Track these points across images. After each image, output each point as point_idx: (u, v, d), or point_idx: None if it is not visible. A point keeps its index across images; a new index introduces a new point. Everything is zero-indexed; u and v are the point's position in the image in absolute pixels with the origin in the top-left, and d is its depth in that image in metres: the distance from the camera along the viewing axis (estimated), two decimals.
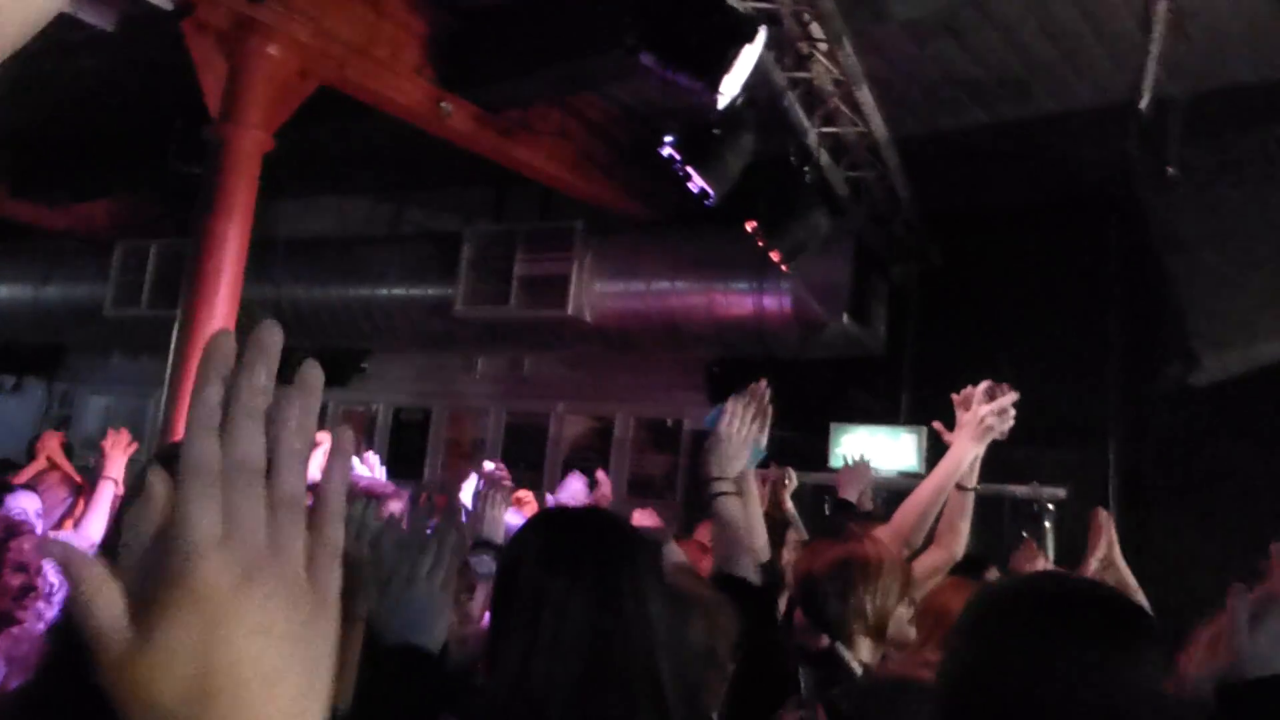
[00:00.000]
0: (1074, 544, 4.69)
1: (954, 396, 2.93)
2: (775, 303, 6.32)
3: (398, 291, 7.71)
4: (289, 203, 7.63)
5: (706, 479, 2.29)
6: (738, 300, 6.48)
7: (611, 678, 1.34)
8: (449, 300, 7.28)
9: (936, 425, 3.00)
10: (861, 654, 2.52)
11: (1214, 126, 4.37)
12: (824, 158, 5.35)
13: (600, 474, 4.80)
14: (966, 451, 2.88)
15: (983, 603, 1.43)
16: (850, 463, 4.13)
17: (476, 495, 3.03)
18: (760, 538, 2.39)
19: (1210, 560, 4.87)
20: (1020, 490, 5.76)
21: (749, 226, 5.05)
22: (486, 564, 2.63)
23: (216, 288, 4.81)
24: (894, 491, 4.63)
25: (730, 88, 3.94)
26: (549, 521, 1.60)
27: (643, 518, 4.90)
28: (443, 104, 5.51)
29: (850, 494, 3.97)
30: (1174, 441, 5.45)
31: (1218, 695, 1.55)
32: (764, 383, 2.40)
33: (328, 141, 6.75)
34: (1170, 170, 4.14)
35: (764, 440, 2.40)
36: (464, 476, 3.90)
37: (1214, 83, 4.67)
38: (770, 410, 2.40)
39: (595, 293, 6.93)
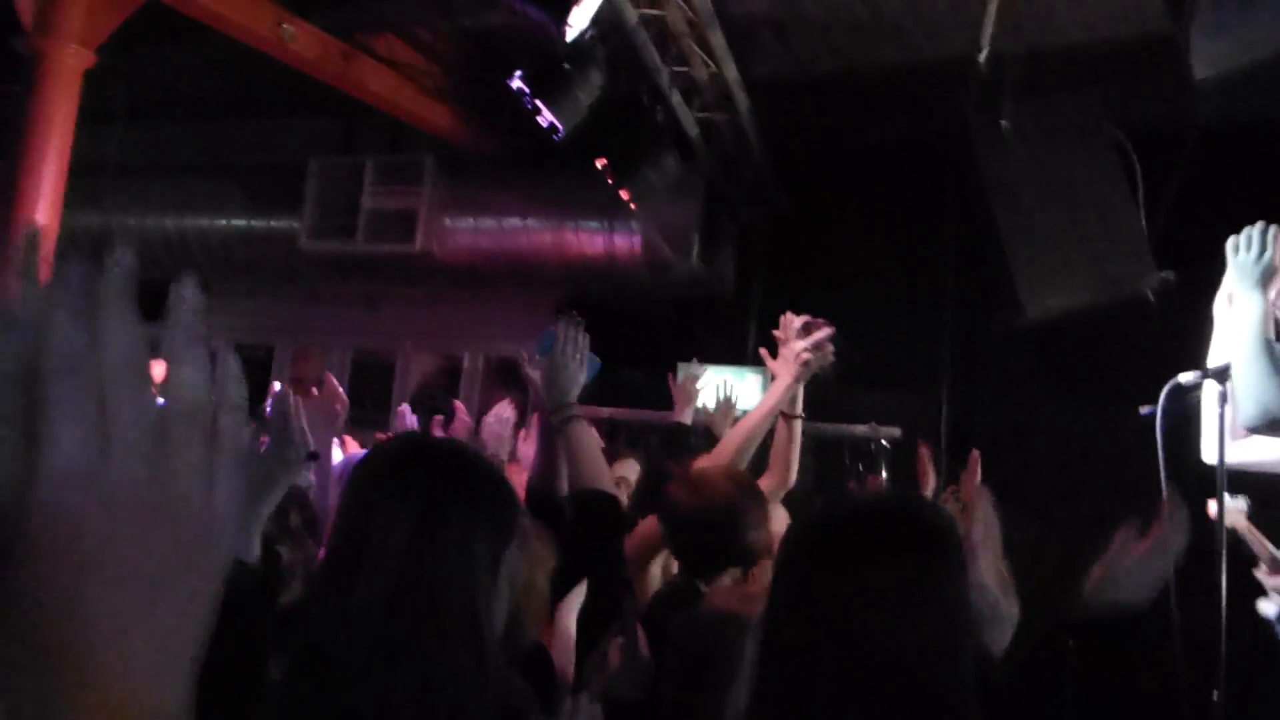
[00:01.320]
0: (908, 482, 4.89)
1: (775, 333, 3.02)
2: (626, 243, 6.34)
3: (238, 223, 7.42)
4: (119, 127, 7.22)
5: (553, 407, 2.30)
6: (589, 239, 6.47)
7: (425, 604, 1.33)
8: (293, 234, 7.04)
9: (762, 351, 3.09)
10: (706, 588, 2.57)
11: (1046, 84, 4.54)
12: (675, 98, 5.35)
13: (457, 404, 4.67)
14: (786, 385, 2.98)
15: (793, 531, 1.47)
16: (679, 381, 4.16)
17: (307, 404, 2.96)
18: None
19: (1031, 498, 5.16)
20: (859, 429, 5.97)
21: (599, 164, 5.02)
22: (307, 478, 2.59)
23: (33, 214, 4.53)
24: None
25: (579, 20, 3.89)
26: (393, 446, 1.57)
27: (503, 408, 4.83)
28: (284, 26, 5.27)
29: (684, 415, 4.03)
30: (1001, 386, 5.72)
31: (1077, 615, 1.64)
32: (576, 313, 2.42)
33: (162, 63, 6.39)
34: (1004, 125, 4.29)
35: (596, 357, 2.40)
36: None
37: (1048, 41, 4.84)
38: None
39: (445, 229, 6.81)
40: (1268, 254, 2.64)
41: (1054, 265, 4.24)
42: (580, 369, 2.34)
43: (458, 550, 1.36)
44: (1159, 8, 3.32)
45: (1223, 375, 2.68)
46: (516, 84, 4.51)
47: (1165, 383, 3.22)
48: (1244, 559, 3.40)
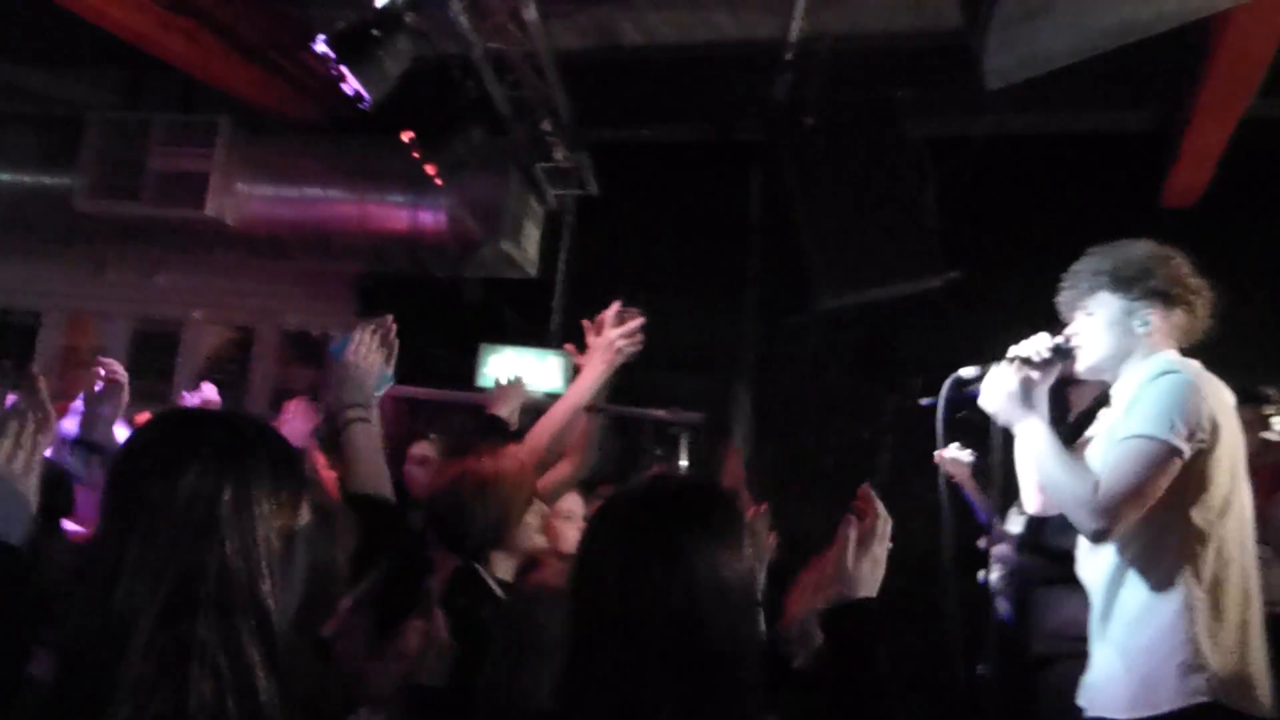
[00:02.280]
0: (708, 466, 5.00)
1: (585, 322, 3.03)
2: (431, 218, 6.19)
3: (4, 178, 6.84)
4: None
5: (338, 407, 2.30)
6: (392, 213, 6.29)
7: (207, 597, 1.22)
8: (69, 192, 6.55)
9: (569, 348, 3.10)
10: (498, 571, 2.57)
11: (849, 83, 4.70)
12: (487, 73, 5.26)
13: (206, 385, 4.36)
14: (598, 373, 3.00)
15: (603, 509, 1.53)
16: (505, 382, 4.14)
17: (86, 396, 2.79)
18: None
19: (820, 481, 5.38)
20: (659, 414, 6.07)
21: (405, 137, 4.89)
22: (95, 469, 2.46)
23: None
24: (541, 412, 4.72)
25: None
26: (162, 420, 1.43)
27: (297, 410, 4.64)
28: None
29: (501, 410, 3.99)
30: (797, 373, 5.91)
31: (825, 615, 1.71)
32: (390, 317, 2.43)
33: None
34: (807, 118, 4.43)
35: (390, 369, 2.42)
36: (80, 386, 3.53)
37: (852, 42, 5.02)
38: (395, 343, 2.43)
39: (239, 195, 6.48)
40: (1014, 385, 2.78)
41: (849, 257, 4.41)
42: (371, 375, 2.35)
43: (236, 529, 1.26)
44: (956, 19, 3.48)
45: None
46: (321, 48, 4.32)
47: (950, 374, 3.38)
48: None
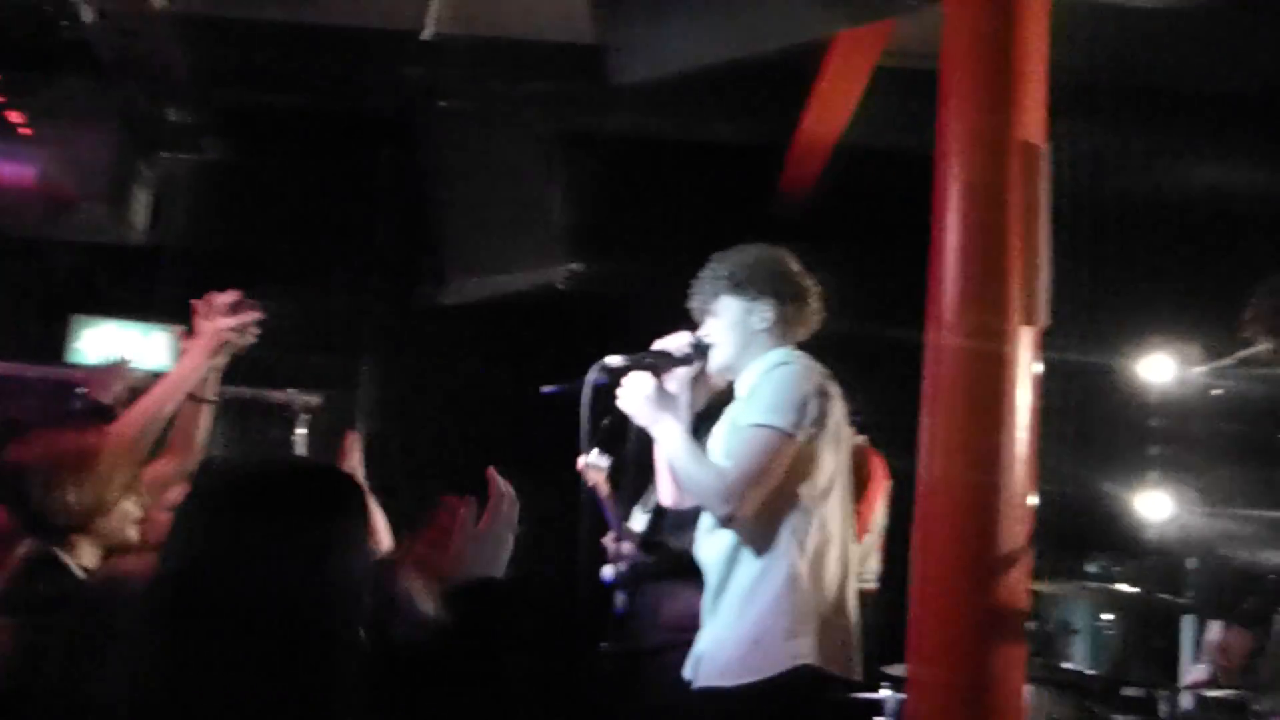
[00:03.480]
0: (326, 449, 4.81)
1: (194, 303, 2.84)
2: (16, 172, 5.51)
3: None
4: None
5: None
6: None
7: None
8: None
9: (178, 331, 2.89)
10: (84, 559, 2.41)
11: (485, 71, 4.71)
12: (89, 14, 4.75)
13: None
14: (200, 362, 2.83)
15: (190, 491, 1.44)
16: (110, 362, 3.77)
17: None
18: None
19: (445, 467, 5.33)
20: (277, 396, 5.77)
21: None
22: None
23: None
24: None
25: None
26: None
27: None
28: None
29: (104, 395, 3.64)
30: (425, 358, 5.85)
31: (445, 595, 1.70)
32: None
33: None
34: (442, 103, 4.39)
35: None
36: None
37: (493, 30, 5.03)
38: None
39: None
40: (650, 388, 2.99)
41: (479, 246, 4.42)
42: None
43: None
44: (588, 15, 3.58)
45: (641, 361, 3.05)
46: None
47: (576, 363, 3.48)
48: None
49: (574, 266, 4.71)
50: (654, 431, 3.01)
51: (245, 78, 5.86)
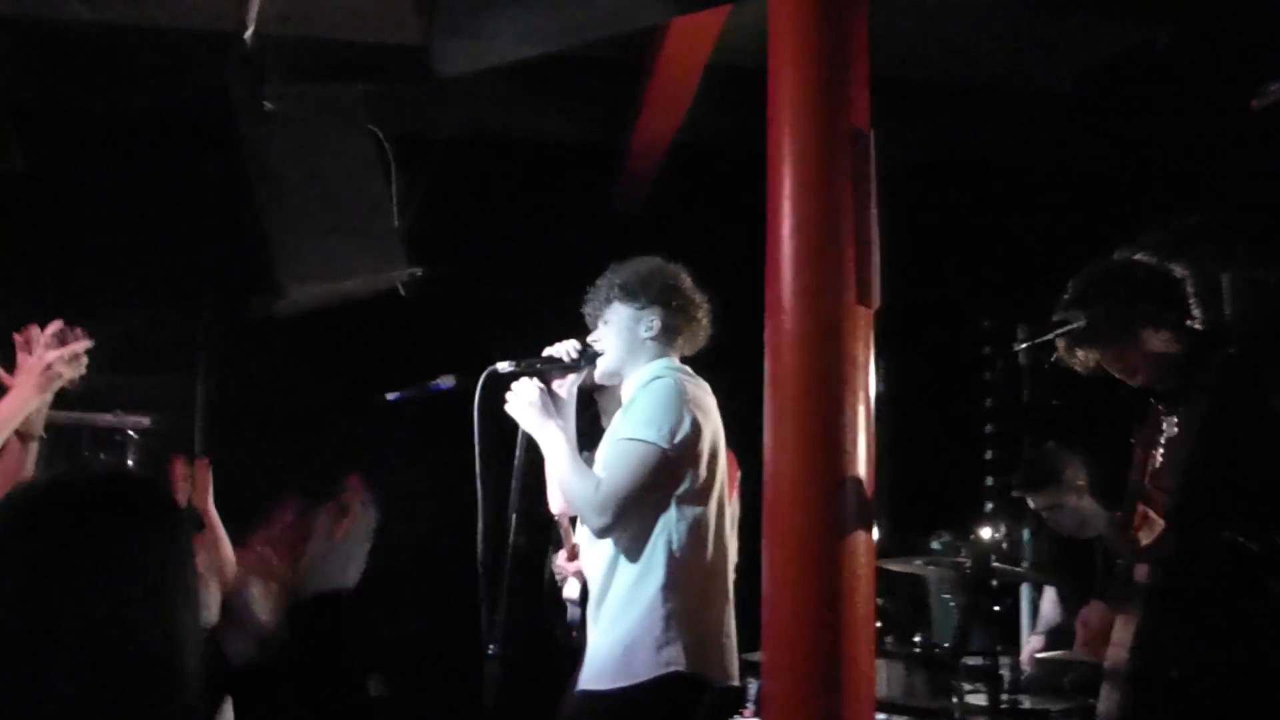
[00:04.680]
0: (158, 472, 4.58)
1: (15, 336, 2.65)
2: None
3: None
4: None
5: None
6: None
7: None
8: None
9: None
10: None
11: (311, 71, 4.56)
12: None
13: None
14: (26, 399, 2.63)
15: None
16: None
17: None
18: None
19: (289, 482, 5.13)
20: (103, 418, 5.47)
21: None
22: None
23: None
24: None
25: None
26: None
27: None
28: None
29: None
30: (260, 371, 5.63)
31: (291, 608, 1.63)
32: None
33: None
34: (267, 105, 4.23)
35: None
36: None
37: (317, 30, 4.88)
38: None
39: None
40: (534, 395, 3.09)
41: (313, 252, 4.29)
42: None
43: None
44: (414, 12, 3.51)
45: (532, 367, 3.13)
46: None
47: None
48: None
49: (415, 271, 4.62)
50: (539, 438, 3.07)
51: (51, 82, 5.54)
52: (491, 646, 3.00)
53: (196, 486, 4.17)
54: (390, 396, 3.49)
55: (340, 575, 1.65)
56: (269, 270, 4.37)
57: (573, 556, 3.78)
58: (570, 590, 3.80)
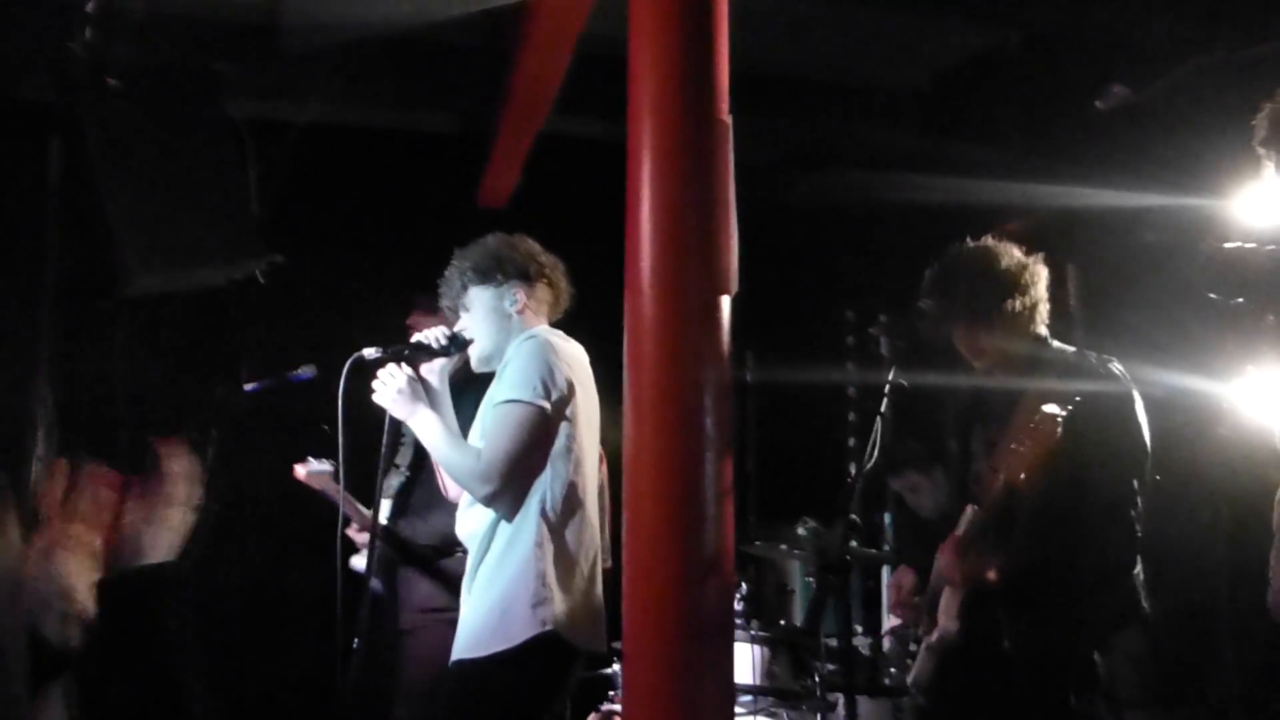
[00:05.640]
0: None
1: None
2: None
3: None
4: None
5: None
6: None
7: None
8: None
9: None
10: None
11: (163, 42, 4.37)
12: None
13: None
14: None
15: None
16: None
17: None
18: None
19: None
20: None
21: None
22: None
23: None
24: None
25: None
26: None
27: None
28: None
29: None
30: (107, 364, 5.39)
31: (102, 584, 1.58)
32: None
33: None
34: (112, 81, 4.05)
35: None
36: None
37: (164, 8, 4.67)
38: None
39: None
40: (403, 382, 3.06)
41: (161, 237, 4.13)
42: None
43: None
44: None
45: (399, 354, 3.08)
46: None
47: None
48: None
49: (272, 258, 4.49)
50: (411, 425, 3.03)
51: None
52: (355, 640, 2.95)
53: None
54: (249, 387, 3.41)
55: (156, 545, 1.60)
56: (117, 257, 4.19)
57: (363, 529, 3.74)
58: (357, 562, 3.78)
